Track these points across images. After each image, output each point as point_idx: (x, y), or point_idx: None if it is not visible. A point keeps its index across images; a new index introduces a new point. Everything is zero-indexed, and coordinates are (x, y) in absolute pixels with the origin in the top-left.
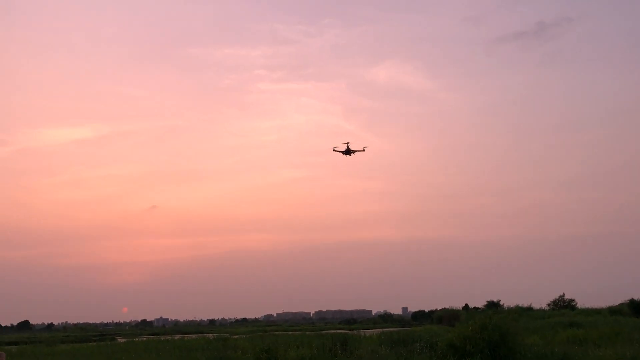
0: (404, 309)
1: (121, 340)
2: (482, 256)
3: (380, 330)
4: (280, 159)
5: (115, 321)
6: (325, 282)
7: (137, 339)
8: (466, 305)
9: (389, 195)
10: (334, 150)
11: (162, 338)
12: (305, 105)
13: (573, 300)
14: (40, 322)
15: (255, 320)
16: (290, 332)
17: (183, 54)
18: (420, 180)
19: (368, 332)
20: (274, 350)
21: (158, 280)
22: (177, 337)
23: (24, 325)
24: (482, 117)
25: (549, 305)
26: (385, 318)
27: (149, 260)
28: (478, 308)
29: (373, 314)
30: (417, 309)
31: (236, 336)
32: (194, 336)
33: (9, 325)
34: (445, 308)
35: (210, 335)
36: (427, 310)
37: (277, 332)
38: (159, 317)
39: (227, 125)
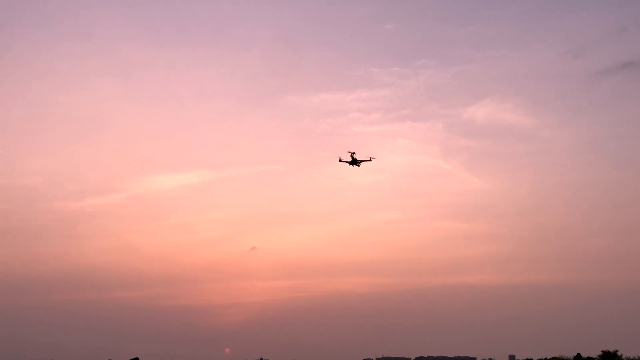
0: (511, 357)
1: None
2: (596, 301)
3: None
4: (376, 201)
5: None
6: (426, 327)
7: None
8: (578, 354)
9: (491, 237)
10: (339, 161)
11: None
12: (400, 146)
13: None
14: None
15: None
16: None
17: (282, 102)
18: (525, 222)
19: None
20: None
21: (259, 322)
22: None
23: None
24: (589, 154)
25: None
26: None
27: (250, 302)
28: (592, 358)
29: None
30: (524, 357)
31: None
32: None
33: None
34: (555, 357)
35: None
36: (535, 358)
37: None
38: (259, 358)
39: (323, 169)
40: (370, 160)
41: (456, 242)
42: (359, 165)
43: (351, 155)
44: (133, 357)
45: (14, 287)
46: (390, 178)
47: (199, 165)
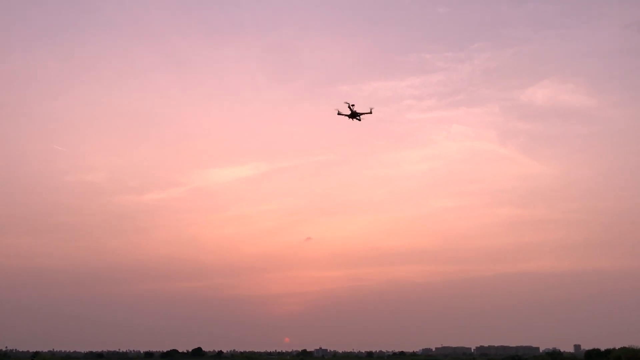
0: (576, 347)
1: None
2: None
3: None
4: (432, 189)
5: (278, 350)
6: (487, 316)
7: None
8: None
9: (553, 223)
10: (338, 114)
11: None
12: (456, 132)
13: None
14: (211, 350)
15: (414, 355)
16: None
17: (334, 92)
18: (589, 207)
19: None
20: None
21: (317, 311)
22: None
23: (198, 352)
24: None
25: None
26: (554, 356)
27: (308, 291)
28: None
29: (540, 351)
30: (591, 347)
31: None
32: None
33: (184, 351)
34: (624, 347)
35: None
36: (602, 349)
37: None
38: (318, 348)
39: (377, 157)
40: (370, 112)
41: (516, 228)
42: (359, 119)
43: (350, 108)
44: (196, 347)
45: (81, 280)
46: (446, 165)
47: (254, 157)
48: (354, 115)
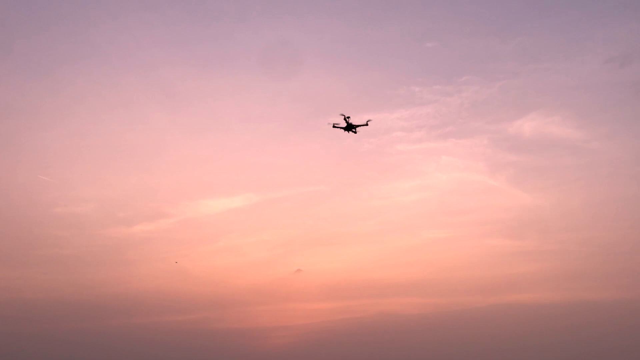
0: None
1: None
2: None
3: None
4: (423, 220)
5: None
6: (479, 348)
7: None
8: None
9: (543, 254)
10: (333, 126)
11: None
12: (446, 163)
13: None
14: None
15: None
16: None
17: (325, 123)
18: (578, 237)
19: None
20: None
21: (307, 345)
22: None
23: None
24: None
25: None
26: None
27: (298, 324)
28: None
29: None
30: None
31: None
32: None
33: None
34: None
35: None
36: None
37: None
38: None
39: (367, 188)
40: (367, 124)
41: (506, 259)
42: (355, 132)
43: (345, 120)
44: None
45: (69, 313)
46: (436, 196)
47: (245, 188)
48: (349, 127)
